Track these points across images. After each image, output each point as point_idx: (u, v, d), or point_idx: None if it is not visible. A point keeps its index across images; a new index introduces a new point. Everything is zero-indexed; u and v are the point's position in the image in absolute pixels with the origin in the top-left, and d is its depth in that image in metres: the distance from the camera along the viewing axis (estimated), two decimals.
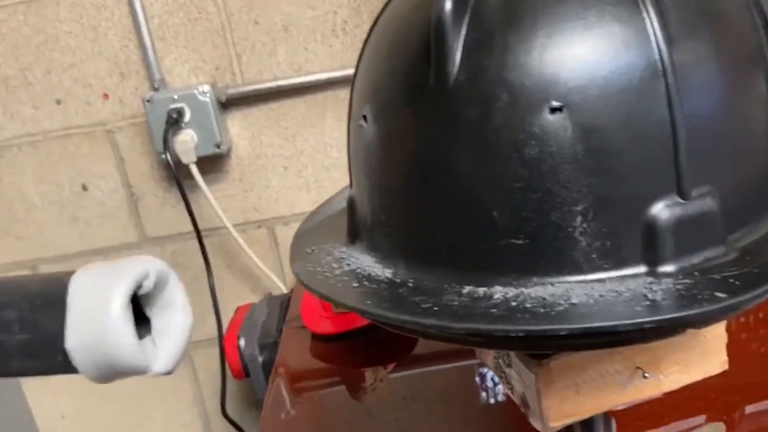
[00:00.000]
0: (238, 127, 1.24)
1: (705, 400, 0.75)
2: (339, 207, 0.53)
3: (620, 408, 0.51)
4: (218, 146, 1.19)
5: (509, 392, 0.53)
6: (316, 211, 0.59)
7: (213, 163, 1.24)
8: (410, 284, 0.42)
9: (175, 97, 1.17)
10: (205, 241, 1.25)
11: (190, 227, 1.22)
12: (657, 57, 0.37)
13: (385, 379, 0.95)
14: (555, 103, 0.37)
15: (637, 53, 0.37)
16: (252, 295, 1.33)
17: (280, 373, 1.00)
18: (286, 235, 1.30)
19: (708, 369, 0.50)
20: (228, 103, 1.22)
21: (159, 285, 0.31)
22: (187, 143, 1.17)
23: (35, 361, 0.30)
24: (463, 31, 0.39)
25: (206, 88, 1.16)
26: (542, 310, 0.35)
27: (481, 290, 0.39)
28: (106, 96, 1.22)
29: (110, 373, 0.31)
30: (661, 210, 0.37)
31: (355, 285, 0.43)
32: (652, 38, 0.37)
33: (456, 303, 0.38)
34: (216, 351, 1.30)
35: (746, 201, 0.41)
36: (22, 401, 1.37)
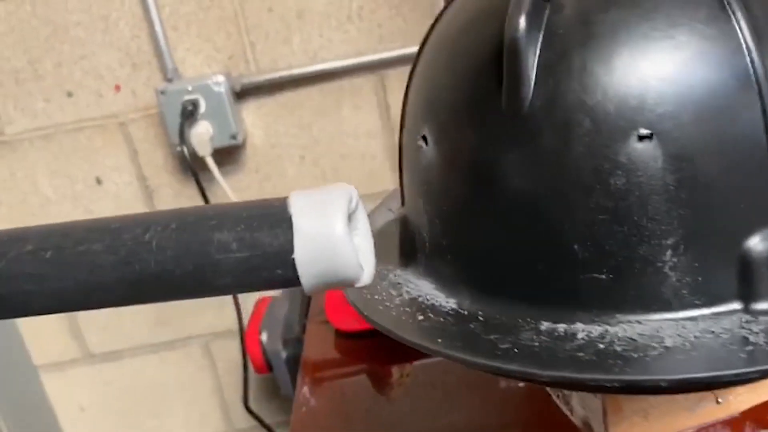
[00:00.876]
0: (253, 116, 1.21)
1: None
2: (380, 223, 0.51)
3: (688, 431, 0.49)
4: (234, 137, 1.16)
5: (568, 413, 0.51)
6: None
7: (229, 155, 1.21)
8: (480, 318, 0.39)
9: (189, 88, 1.13)
10: None
11: None
12: (753, 78, 0.34)
13: (411, 373, 0.94)
14: (643, 131, 0.34)
15: (731, 74, 0.34)
16: None
17: (308, 369, 0.98)
18: None
19: None
20: (242, 93, 1.18)
21: (356, 208, 0.33)
22: (202, 135, 1.14)
23: (251, 276, 0.32)
24: (537, 51, 0.36)
25: (220, 78, 1.13)
26: (635, 355, 0.33)
27: (561, 327, 0.36)
28: (117, 88, 1.19)
29: (327, 284, 0.33)
30: (757, 243, 0.35)
31: (420, 318, 0.40)
32: (747, 58, 0.34)
33: (537, 344, 0.35)
34: (234, 343, 1.29)
35: None
36: (42, 394, 1.36)
